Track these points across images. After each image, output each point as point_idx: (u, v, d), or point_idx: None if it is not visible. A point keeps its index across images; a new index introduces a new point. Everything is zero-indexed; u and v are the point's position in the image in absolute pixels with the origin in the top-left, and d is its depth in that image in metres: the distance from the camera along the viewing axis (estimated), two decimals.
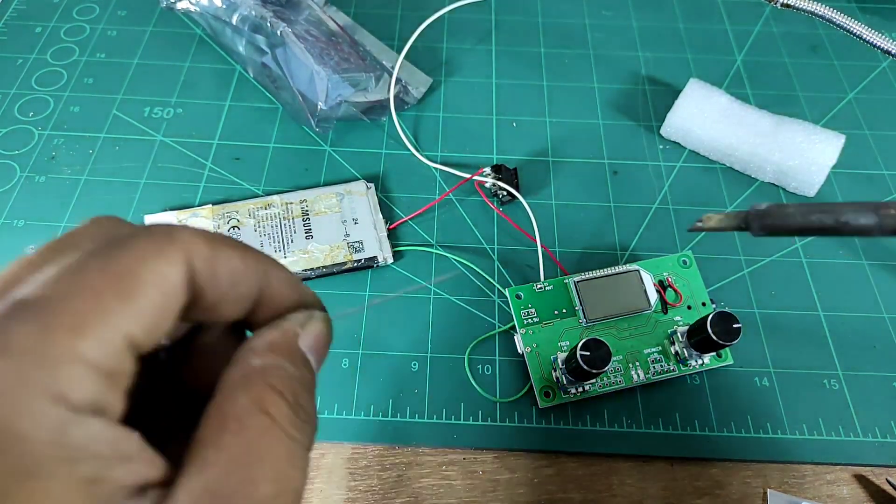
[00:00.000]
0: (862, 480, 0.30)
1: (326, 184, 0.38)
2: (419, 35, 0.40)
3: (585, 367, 0.27)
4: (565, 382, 0.30)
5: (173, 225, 0.14)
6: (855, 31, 0.34)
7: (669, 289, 0.33)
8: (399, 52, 0.41)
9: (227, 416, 0.13)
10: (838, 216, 0.20)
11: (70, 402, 0.11)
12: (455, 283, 0.35)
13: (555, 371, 0.30)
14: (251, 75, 0.43)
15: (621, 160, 0.40)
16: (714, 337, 0.28)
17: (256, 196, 0.37)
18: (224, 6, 0.40)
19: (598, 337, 0.27)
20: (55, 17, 0.47)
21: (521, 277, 0.35)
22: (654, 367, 0.31)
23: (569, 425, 0.30)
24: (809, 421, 0.31)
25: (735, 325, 0.28)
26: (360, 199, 0.37)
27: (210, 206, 0.36)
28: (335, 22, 0.42)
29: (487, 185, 0.37)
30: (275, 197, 0.37)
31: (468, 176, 0.37)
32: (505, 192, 0.37)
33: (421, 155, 0.39)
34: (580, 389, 0.30)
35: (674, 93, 0.41)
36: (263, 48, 0.40)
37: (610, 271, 0.33)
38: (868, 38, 0.34)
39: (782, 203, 0.22)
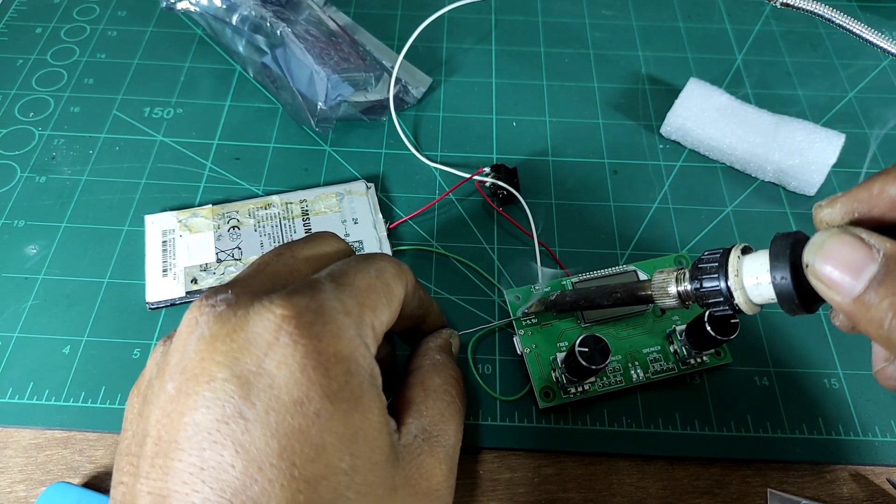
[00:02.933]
0: (862, 480, 0.30)
1: (326, 184, 0.38)
2: (419, 35, 0.40)
3: (584, 363, 0.27)
4: (565, 382, 0.30)
5: (401, 262, 0.22)
6: (855, 30, 0.34)
7: None
8: (399, 51, 0.41)
9: (429, 388, 0.22)
10: (594, 296, 0.28)
11: (366, 342, 0.19)
12: (455, 283, 0.35)
13: (554, 371, 0.30)
14: (251, 75, 0.43)
15: (621, 160, 0.40)
16: (712, 332, 0.28)
17: (256, 196, 0.37)
18: (224, 6, 0.40)
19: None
20: (55, 17, 0.47)
21: (522, 277, 0.35)
22: (653, 367, 0.31)
23: (569, 425, 0.30)
24: (809, 420, 0.31)
25: (732, 321, 0.28)
26: (360, 198, 0.37)
27: (210, 205, 0.36)
28: (335, 22, 0.43)
29: (487, 184, 0.37)
30: (275, 197, 0.37)
31: (468, 176, 0.37)
32: (505, 192, 0.37)
33: (421, 155, 0.39)
34: (580, 389, 0.30)
35: (674, 92, 0.41)
36: (263, 48, 0.40)
37: (607, 272, 0.33)
38: (868, 37, 0.34)
39: (564, 291, 0.30)
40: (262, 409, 0.16)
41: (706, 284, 0.21)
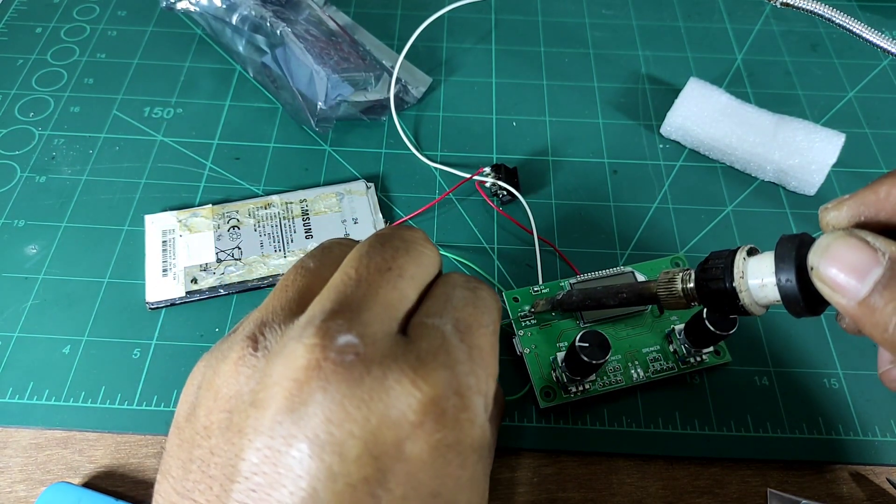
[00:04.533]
0: (862, 480, 0.30)
1: (326, 183, 0.38)
2: (419, 35, 0.40)
3: (585, 358, 0.27)
4: (565, 381, 0.30)
5: (492, 289, 0.20)
6: (855, 29, 0.33)
7: None
8: (399, 51, 0.41)
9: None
10: (600, 296, 0.28)
11: (489, 415, 0.17)
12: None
13: (554, 371, 0.30)
14: (251, 75, 0.43)
15: (621, 159, 0.40)
16: (711, 328, 0.28)
17: (256, 196, 0.37)
18: (224, 6, 0.40)
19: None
20: (55, 17, 0.47)
21: (522, 277, 0.35)
22: (653, 366, 0.31)
23: (569, 424, 0.30)
24: (809, 420, 0.31)
25: (731, 316, 0.28)
26: (359, 198, 0.37)
27: (210, 205, 0.36)
28: (335, 22, 0.43)
29: (487, 184, 0.37)
30: (275, 197, 0.37)
31: (468, 176, 0.37)
32: (505, 192, 0.37)
33: (421, 154, 0.39)
34: (580, 388, 0.30)
35: (674, 92, 0.41)
36: (263, 48, 0.40)
37: (605, 273, 0.33)
38: (868, 36, 0.34)
39: (570, 291, 0.30)
40: (399, 497, 0.15)
41: (711, 285, 0.21)
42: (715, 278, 0.21)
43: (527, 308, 0.32)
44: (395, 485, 0.15)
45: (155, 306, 0.33)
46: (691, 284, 0.23)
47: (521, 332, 0.32)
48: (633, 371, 0.31)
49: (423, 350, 0.16)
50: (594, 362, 0.27)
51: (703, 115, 0.39)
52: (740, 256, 0.21)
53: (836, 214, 0.19)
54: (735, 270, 0.20)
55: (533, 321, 0.32)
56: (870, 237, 0.16)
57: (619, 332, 0.32)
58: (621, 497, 0.29)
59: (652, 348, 0.31)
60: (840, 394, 0.31)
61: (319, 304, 0.17)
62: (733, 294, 0.20)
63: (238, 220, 0.36)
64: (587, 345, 0.27)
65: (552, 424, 0.30)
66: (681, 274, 0.24)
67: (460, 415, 0.16)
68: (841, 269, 0.16)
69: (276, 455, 0.14)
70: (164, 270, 0.34)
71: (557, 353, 0.30)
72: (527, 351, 0.31)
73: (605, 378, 0.30)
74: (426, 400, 0.15)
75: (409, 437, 0.15)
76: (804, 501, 0.28)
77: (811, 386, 0.32)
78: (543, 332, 0.32)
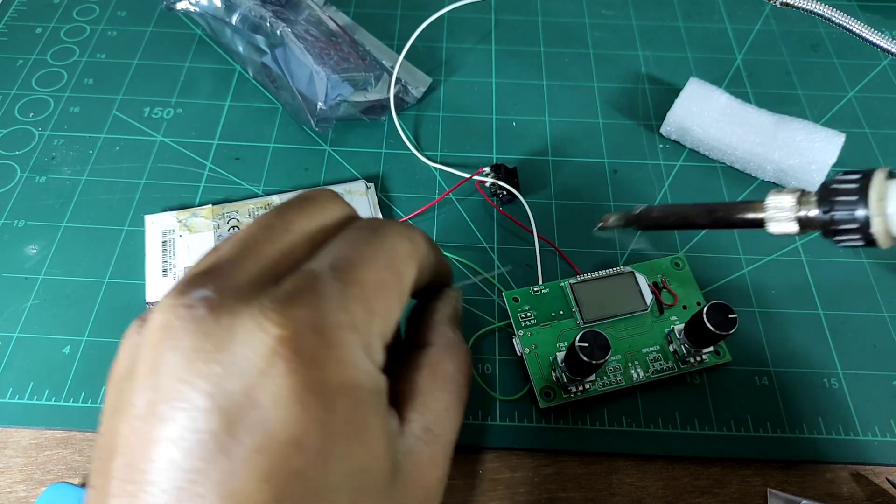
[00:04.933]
0: (862, 479, 0.30)
1: (326, 183, 0.38)
2: (419, 35, 0.40)
3: (585, 358, 0.27)
4: (565, 381, 0.30)
5: (412, 229, 0.19)
6: (855, 29, 0.33)
7: (664, 290, 0.33)
8: (399, 51, 0.41)
9: (439, 376, 0.19)
10: (688, 213, 0.25)
11: (375, 359, 0.16)
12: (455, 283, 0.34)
13: (554, 371, 0.30)
14: (251, 75, 0.43)
15: (621, 159, 0.40)
16: (711, 327, 0.28)
17: (256, 196, 0.37)
18: (223, 6, 0.40)
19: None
20: (55, 17, 0.47)
21: (522, 277, 0.35)
22: (653, 366, 0.31)
23: (569, 424, 0.30)
24: (809, 420, 0.31)
25: (731, 316, 0.28)
26: (359, 198, 0.37)
27: (210, 206, 0.36)
28: (335, 22, 0.42)
29: (487, 184, 0.37)
30: (275, 197, 0.37)
31: (468, 176, 0.37)
32: (505, 192, 0.37)
33: (421, 155, 0.39)
34: (581, 388, 0.30)
35: (674, 92, 0.41)
36: (263, 48, 0.40)
37: (605, 273, 0.33)
38: (868, 36, 0.34)
39: (651, 206, 0.27)
40: (250, 448, 0.13)
41: (840, 209, 0.19)
42: (845, 202, 0.19)
43: (602, 223, 0.29)
44: (246, 436, 0.14)
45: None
46: (812, 210, 0.20)
47: (520, 333, 0.32)
48: (633, 371, 0.31)
49: (282, 292, 0.15)
50: (594, 362, 0.27)
51: (703, 115, 0.39)
52: (880, 177, 0.18)
53: None
54: (871, 193, 0.18)
55: (533, 321, 0.32)
56: None
57: (618, 333, 0.32)
58: (621, 497, 0.29)
59: (652, 348, 0.31)
60: (840, 394, 0.31)
61: (193, 269, 0.16)
62: (865, 221, 0.18)
63: (238, 221, 0.36)
64: (587, 345, 0.27)
65: (552, 424, 0.30)
66: (797, 196, 0.21)
67: (320, 352, 0.15)
68: None
69: (142, 427, 0.14)
70: (165, 271, 0.34)
71: (557, 353, 0.30)
72: (527, 351, 0.31)
73: (605, 378, 0.30)
74: (273, 342, 0.14)
75: (258, 383, 0.14)
76: (804, 501, 0.28)
77: (811, 386, 0.32)
78: (543, 333, 0.32)
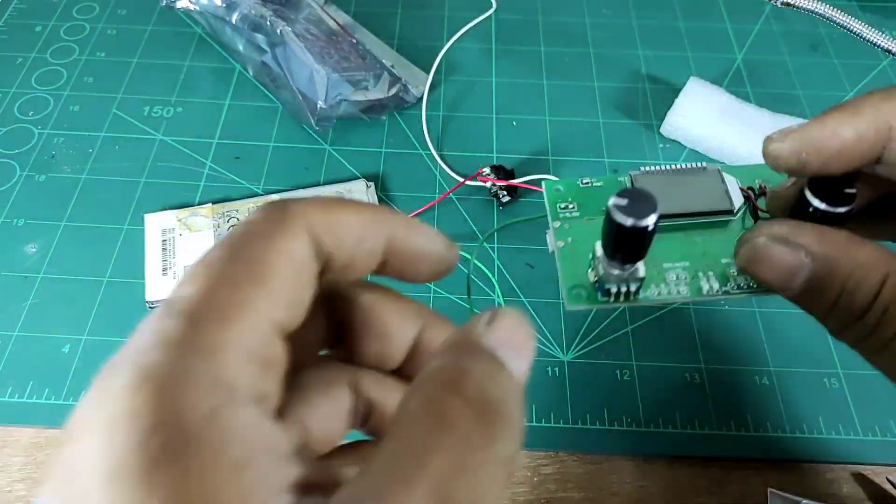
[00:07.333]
0: (862, 479, 0.30)
1: (326, 183, 0.38)
2: (419, 35, 0.40)
3: (622, 221, 0.18)
4: (602, 273, 0.21)
5: (287, 200, 0.14)
6: (855, 29, 0.34)
7: (762, 197, 0.24)
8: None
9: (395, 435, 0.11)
10: None
11: (228, 387, 0.11)
12: (455, 283, 0.34)
13: (592, 271, 0.22)
14: (251, 74, 0.43)
15: (621, 159, 0.40)
16: (820, 205, 0.20)
17: (256, 195, 0.37)
18: (224, 5, 0.40)
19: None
20: (55, 15, 0.47)
21: (522, 277, 0.35)
22: (735, 282, 0.22)
23: (569, 424, 0.30)
24: (809, 420, 0.31)
25: (848, 191, 0.20)
26: (359, 197, 0.37)
27: (210, 205, 0.36)
28: (335, 21, 0.42)
29: (487, 184, 0.37)
30: (275, 196, 0.37)
31: (468, 175, 0.37)
32: (504, 192, 0.37)
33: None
34: (625, 290, 0.21)
35: (674, 91, 0.41)
36: (263, 47, 0.40)
37: (680, 167, 0.24)
38: (868, 36, 0.34)
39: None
40: None
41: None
42: None
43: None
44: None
45: (155, 305, 0.33)
46: None
47: (556, 224, 0.23)
48: (703, 282, 0.22)
49: None
50: (638, 227, 0.18)
51: (703, 115, 0.39)
52: None
53: (778, 146, 0.19)
54: None
55: (575, 213, 0.24)
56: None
57: (690, 237, 0.23)
58: (621, 497, 0.29)
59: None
60: (840, 394, 0.31)
61: None
62: None
63: (238, 220, 0.36)
64: (625, 201, 0.18)
65: (552, 424, 0.30)
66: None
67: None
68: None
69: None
70: (164, 269, 0.34)
71: (597, 246, 0.21)
72: (560, 244, 0.23)
73: (662, 286, 0.22)
74: None
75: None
76: (804, 501, 0.28)
77: (811, 386, 0.32)
78: (586, 227, 0.23)
